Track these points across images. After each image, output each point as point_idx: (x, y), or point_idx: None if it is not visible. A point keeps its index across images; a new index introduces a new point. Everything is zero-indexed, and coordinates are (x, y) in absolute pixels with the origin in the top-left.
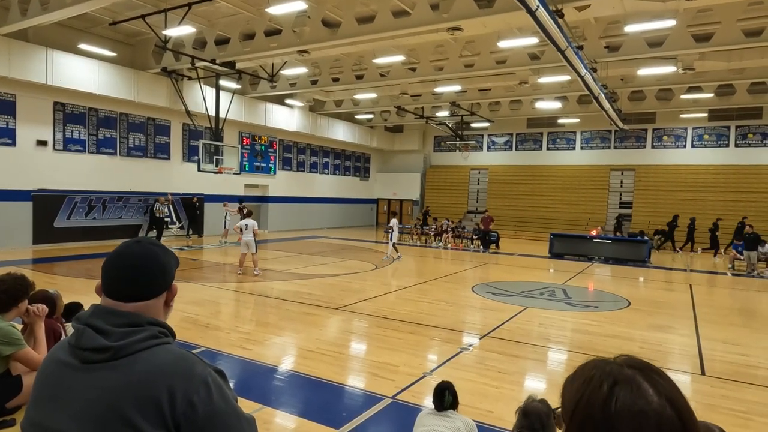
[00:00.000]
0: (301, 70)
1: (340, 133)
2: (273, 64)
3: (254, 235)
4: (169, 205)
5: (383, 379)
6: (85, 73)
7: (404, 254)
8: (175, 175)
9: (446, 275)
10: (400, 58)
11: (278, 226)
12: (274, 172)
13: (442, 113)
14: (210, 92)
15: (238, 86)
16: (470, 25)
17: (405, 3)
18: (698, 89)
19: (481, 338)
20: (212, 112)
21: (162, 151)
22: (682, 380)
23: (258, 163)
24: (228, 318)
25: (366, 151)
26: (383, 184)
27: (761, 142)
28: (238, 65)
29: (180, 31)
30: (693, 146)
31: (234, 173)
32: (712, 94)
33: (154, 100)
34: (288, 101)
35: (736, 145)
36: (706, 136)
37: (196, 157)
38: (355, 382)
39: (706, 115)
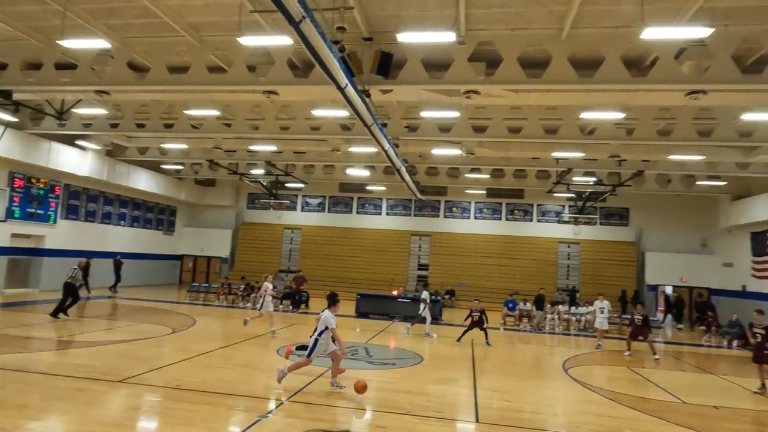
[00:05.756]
0: (99, 111)
1: (143, 182)
2: (64, 100)
3: None
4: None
5: None
6: None
7: (209, 315)
8: None
9: (252, 337)
10: (214, 112)
11: (56, 284)
12: (55, 221)
13: (258, 171)
14: None
15: (15, 119)
16: (286, 91)
17: (221, 59)
18: (478, 170)
19: (281, 403)
20: None
21: None
22: (459, 428)
23: (33, 210)
24: None
25: (172, 203)
26: (190, 240)
27: (523, 217)
28: (17, 96)
29: None
30: (476, 218)
31: None
32: (488, 176)
33: None
34: (80, 142)
35: (507, 219)
36: (485, 210)
37: None
38: None
39: (485, 192)
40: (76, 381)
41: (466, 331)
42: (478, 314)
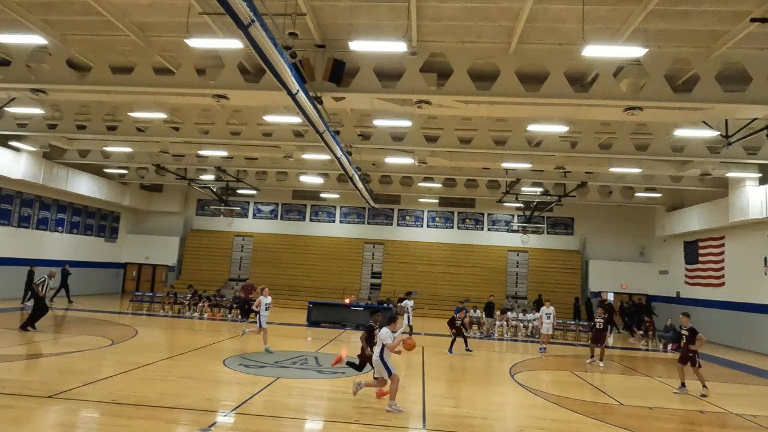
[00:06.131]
0: (36, 111)
1: (84, 186)
2: None
3: None
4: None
5: None
6: None
7: (153, 326)
8: None
9: (198, 348)
10: (161, 115)
11: None
12: None
13: (207, 176)
14: None
15: None
16: (237, 95)
17: (169, 61)
18: (431, 179)
19: (225, 416)
20: None
21: None
22: None
23: None
24: None
25: (115, 209)
26: (134, 247)
27: (474, 226)
28: None
29: None
30: (428, 226)
31: None
32: (441, 185)
33: None
34: (14, 143)
35: (458, 228)
36: (437, 219)
37: None
38: None
39: (437, 201)
40: (1, 397)
41: (463, 339)
42: (460, 321)
